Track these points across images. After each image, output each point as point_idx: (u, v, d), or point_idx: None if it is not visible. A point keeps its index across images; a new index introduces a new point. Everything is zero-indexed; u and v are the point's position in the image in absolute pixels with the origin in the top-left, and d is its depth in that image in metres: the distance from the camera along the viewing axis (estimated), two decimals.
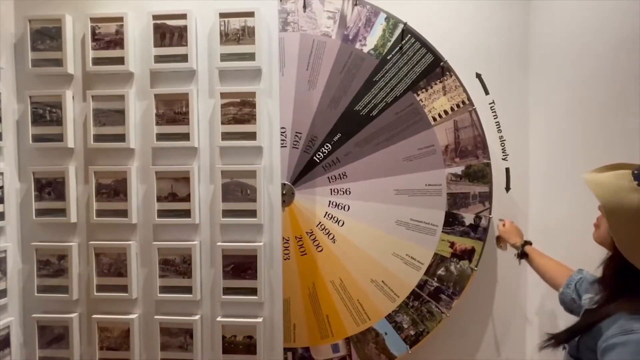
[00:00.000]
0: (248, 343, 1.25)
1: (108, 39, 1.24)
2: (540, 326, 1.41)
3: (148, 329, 1.28)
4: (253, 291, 1.24)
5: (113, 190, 1.27)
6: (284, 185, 1.43)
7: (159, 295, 1.25)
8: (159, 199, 1.26)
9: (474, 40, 1.44)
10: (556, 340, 0.70)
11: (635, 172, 0.64)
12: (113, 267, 1.27)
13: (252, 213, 1.24)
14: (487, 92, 1.43)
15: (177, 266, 1.26)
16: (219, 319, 1.25)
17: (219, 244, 1.25)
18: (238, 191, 1.25)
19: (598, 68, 1.10)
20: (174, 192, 1.26)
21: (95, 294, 1.26)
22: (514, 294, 1.47)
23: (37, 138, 1.25)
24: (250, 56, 1.22)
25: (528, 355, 1.47)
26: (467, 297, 1.40)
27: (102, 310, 1.28)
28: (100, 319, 1.27)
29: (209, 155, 1.27)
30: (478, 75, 1.43)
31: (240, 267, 1.25)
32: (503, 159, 1.44)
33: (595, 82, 1.11)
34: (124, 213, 1.26)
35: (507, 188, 1.44)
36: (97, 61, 1.25)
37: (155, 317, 1.26)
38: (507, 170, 1.45)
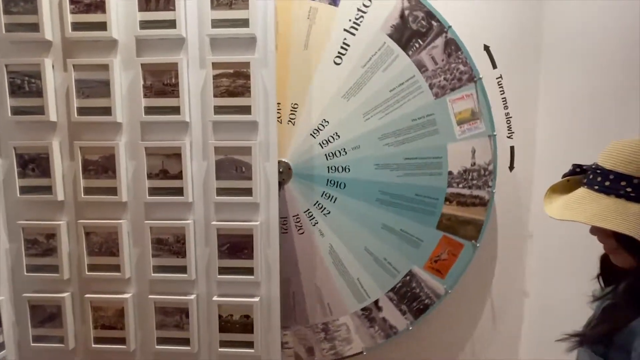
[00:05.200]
0: (245, 322, 1.20)
1: (87, 1, 1.11)
2: (538, 299, 1.37)
3: (143, 309, 1.22)
4: (249, 271, 1.18)
5: (101, 166, 1.17)
6: (280, 162, 1.33)
7: (153, 274, 1.19)
8: (150, 177, 1.16)
9: (486, 15, 1.31)
10: (584, 339, 0.62)
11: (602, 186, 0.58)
12: (104, 246, 1.19)
13: (248, 191, 1.15)
14: (494, 66, 1.31)
15: (170, 245, 1.18)
16: (214, 298, 1.20)
17: (214, 223, 1.17)
18: (232, 168, 1.15)
19: (613, 54, 1.00)
20: (165, 169, 1.17)
21: (87, 273, 1.19)
22: (514, 270, 1.42)
23: (16, 111, 1.14)
24: (244, 22, 1.09)
25: (524, 329, 1.44)
26: (467, 272, 1.34)
27: (94, 289, 1.22)
28: (94, 299, 1.21)
29: (201, 130, 1.16)
30: (486, 48, 1.31)
31: (236, 246, 1.17)
32: (508, 137, 1.35)
33: (610, 70, 1.01)
34: (113, 191, 1.16)
35: (511, 167, 1.36)
36: (76, 26, 1.11)
37: (150, 296, 1.20)
38: (512, 148, 1.36)
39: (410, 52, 1.31)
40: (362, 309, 1.39)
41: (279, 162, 1.31)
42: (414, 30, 1.29)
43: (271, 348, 1.22)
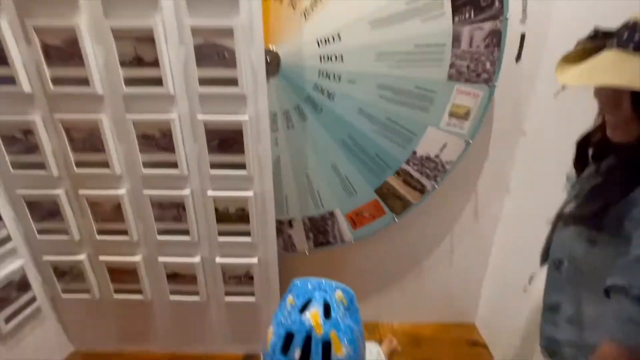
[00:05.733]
0: (241, 214, 1.24)
1: None
2: (516, 198, 1.44)
3: (139, 204, 1.24)
4: (241, 166, 1.17)
5: (66, 53, 1.03)
6: (268, 51, 1.20)
7: (144, 170, 1.17)
8: (123, 64, 1.05)
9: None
10: (578, 217, 0.61)
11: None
12: (88, 142, 1.14)
13: (233, 81, 1.06)
14: (519, 57, 1.11)
15: (157, 141, 1.14)
16: (209, 192, 1.21)
17: (200, 117, 1.10)
18: (214, 54, 1.03)
19: None
20: (139, 56, 1.04)
21: (75, 170, 1.17)
22: (500, 170, 1.45)
23: None
24: None
25: (501, 222, 1.53)
26: (455, 168, 1.36)
27: (87, 186, 1.21)
28: (89, 195, 1.22)
29: (173, 8, 1.00)
30: (522, 37, 1.08)
31: (226, 142, 1.14)
32: (521, 22, 1.21)
33: None
34: (84, 81, 1.06)
35: (518, 58, 1.25)
36: None
37: (144, 191, 1.21)
38: (522, 36, 1.23)
39: (457, 18, 1.15)
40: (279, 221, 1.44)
41: (268, 51, 1.18)
42: None
43: (268, 239, 1.30)
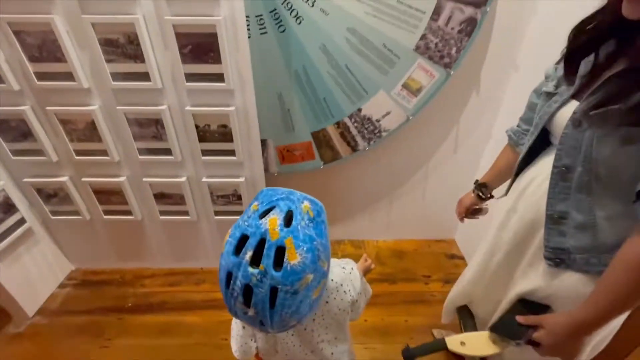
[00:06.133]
0: (223, 132, 1.20)
1: None
2: (499, 142, 1.41)
3: (114, 120, 1.17)
4: (219, 77, 1.08)
5: None
6: None
7: (113, 83, 1.08)
8: None
9: None
10: (626, 118, 0.51)
11: None
12: (44, 50, 1.02)
13: None
14: None
15: (122, 47, 1.03)
16: (187, 108, 1.14)
17: (168, 17, 0.98)
18: None
19: None
20: None
21: (37, 82, 1.07)
22: (487, 105, 1.38)
23: None
24: None
25: (483, 159, 1.51)
26: (440, 98, 1.29)
27: (54, 102, 1.13)
28: (58, 110, 1.14)
29: None
30: None
31: (200, 48, 1.03)
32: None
33: None
34: None
35: None
36: None
37: (118, 107, 1.13)
38: None
39: None
40: None
41: None
42: None
43: (254, 157, 1.27)
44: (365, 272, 0.87)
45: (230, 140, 1.21)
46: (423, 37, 1.16)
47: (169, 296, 1.51)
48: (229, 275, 0.51)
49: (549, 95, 0.66)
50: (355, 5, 1.12)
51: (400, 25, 1.15)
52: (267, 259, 0.49)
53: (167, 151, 1.23)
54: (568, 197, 0.61)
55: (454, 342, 0.73)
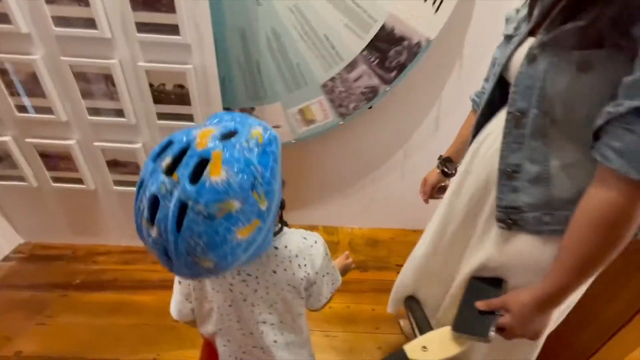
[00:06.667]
0: (180, 93, 1.10)
1: None
2: None
3: (57, 73, 1.07)
4: (174, 29, 0.98)
5: None
6: None
7: (55, 29, 0.97)
8: None
9: None
10: (564, 38, 0.45)
11: None
12: None
13: None
14: None
15: None
16: (140, 63, 1.04)
17: None
18: None
19: None
20: None
21: None
22: (469, 76, 1.30)
23: None
24: None
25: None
26: (421, 69, 1.21)
27: None
28: None
29: None
30: None
31: None
32: None
33: None
34: None
35: None
36: None
37: (62, 58, 1.03)
38: None
39: (365, 52, 1.16)
40: None
41: None
42: None
43: None
44: (343, 270, 0.77)
45: (188, 103, 1.11)
46: (332, 79, 1.19)
47: (122, 274, 1.40)
48: (141, 184, 0.43)
49: (508, 38, 0.59)
50: (285, 13, 1.10)
51: (319, 56, 1.16)
52: (184, 169, 0.40)
53: (120, 112, 1.13)
54: (522, 147, 0.54)
55: (414, 349, 0.63)
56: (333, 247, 1.60)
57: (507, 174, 0.56)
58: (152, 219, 0.41)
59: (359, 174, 1.59)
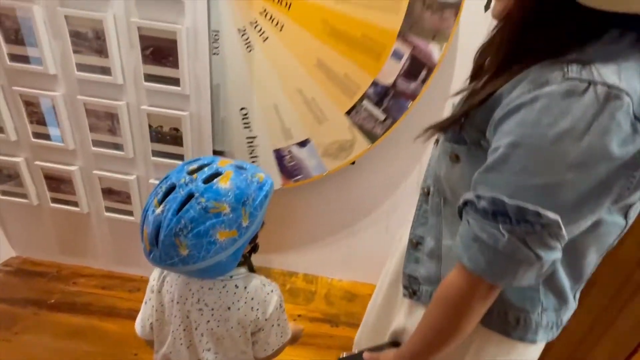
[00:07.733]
0: (175, 135, 1.21)
1: None
2: None
3: (73, 109, 1.21)
4: (175, 81, 1.12)
5: None
6: None
7: (77, 73, 1.13)
8: None
9: None
10: (437, 127, 0.50)
11: None
12: (19, 34, 1.10)
13: None
14: None
15: (90, 42, 1.09)
16: (143, 106, 1.17)
17: (134, 19, 1.04)
18: None
19: None
20: None
21: (8, 63, 1.13)
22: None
23: None
24: None
25: None
26: (406, 124, 1.27)
27: (21, 84, 1.18)
28: (22, 92, 1.18)
29: None
30: None
31: (161, 52, 1.08)
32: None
33: None
34: None
35: (487, 7, 1.15)
36: None
37: (79, 97, 1.17)
38: None
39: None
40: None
41: None
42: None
43: None
44: (294, 336, 0.77)
45: (181, 144, 1.21)
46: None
47: (96, 298, 1.43)
48: (167, 177, 0.58)
49: None
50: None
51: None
52: (202, 174, 0.56)
53: (120, 147, 1.25)
54: (426, 221, 0.57)
55: None
56: (310, 296, 1.58)
57: (413, 244, 0.59)
58: (163, 200, 0.55)
59: (343, 225, 1.61)
